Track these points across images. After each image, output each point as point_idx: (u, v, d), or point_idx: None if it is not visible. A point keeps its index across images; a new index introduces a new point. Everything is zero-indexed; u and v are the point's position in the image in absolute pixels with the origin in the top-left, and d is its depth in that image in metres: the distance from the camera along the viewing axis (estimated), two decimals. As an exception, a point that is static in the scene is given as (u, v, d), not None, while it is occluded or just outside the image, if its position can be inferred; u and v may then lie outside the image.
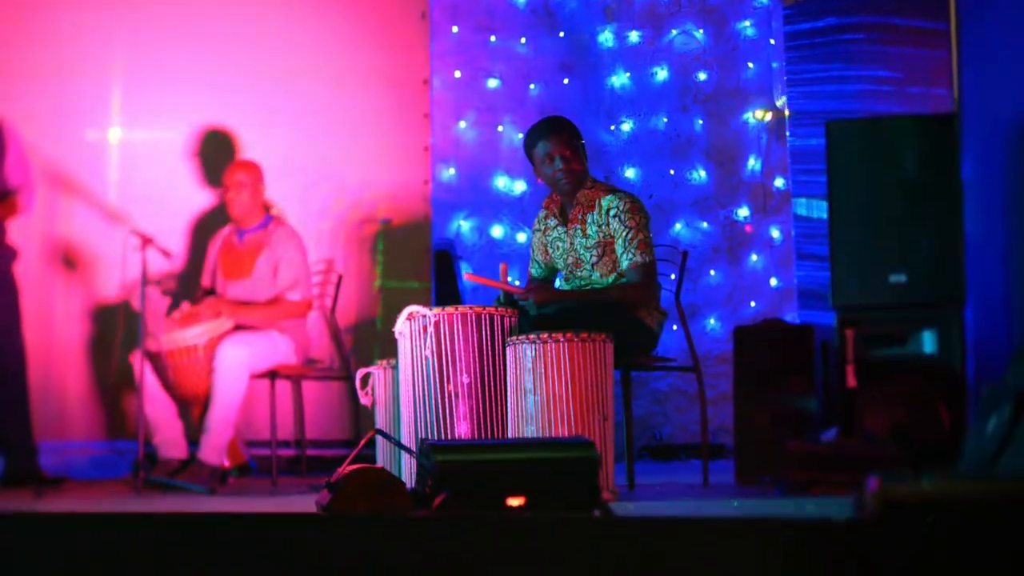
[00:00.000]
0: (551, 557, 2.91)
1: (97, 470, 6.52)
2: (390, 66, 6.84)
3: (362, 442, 3.61)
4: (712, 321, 7.45)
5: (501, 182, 7.54)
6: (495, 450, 3.20)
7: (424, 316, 4.70)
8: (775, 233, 7.44)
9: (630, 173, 7.53)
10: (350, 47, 6.87)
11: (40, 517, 3.46)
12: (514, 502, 2.97)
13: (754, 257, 7.47)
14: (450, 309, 4.69)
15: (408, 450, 3.69)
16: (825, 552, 2.67)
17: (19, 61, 6.71)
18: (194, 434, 5.78)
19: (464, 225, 7.50)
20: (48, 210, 6.60)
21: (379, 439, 4.75)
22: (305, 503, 4.99)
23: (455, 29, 7.51)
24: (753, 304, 7.43)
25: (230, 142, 6.80)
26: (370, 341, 6.70)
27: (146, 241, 5.67)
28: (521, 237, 7.48)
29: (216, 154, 6.76)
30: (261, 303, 5.97)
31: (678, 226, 7.46)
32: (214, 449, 5.68)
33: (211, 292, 6.13)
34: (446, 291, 6.85)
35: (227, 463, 5.80)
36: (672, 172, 7.53)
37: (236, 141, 6.80)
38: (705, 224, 7.51)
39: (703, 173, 7.53)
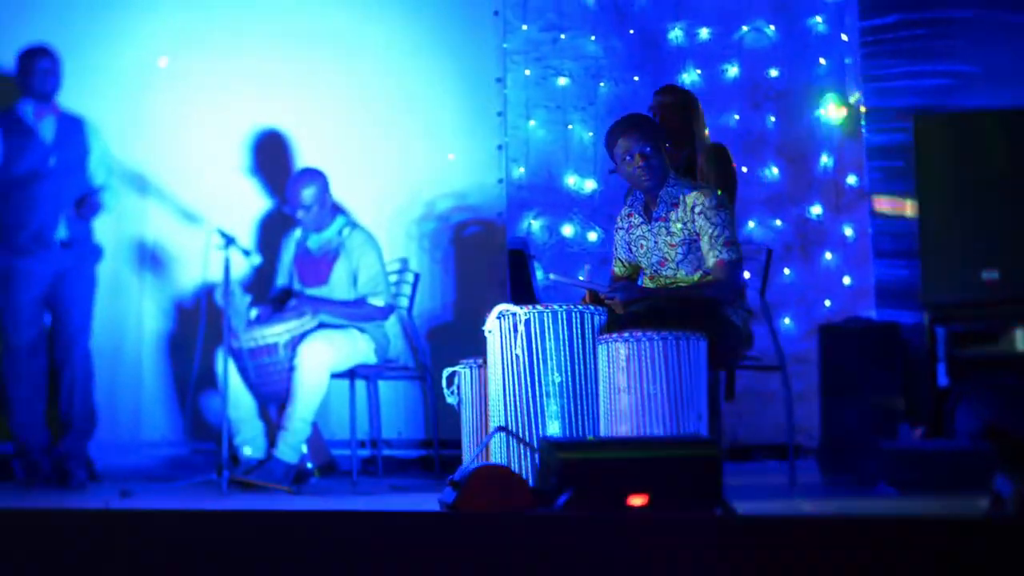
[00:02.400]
0: (677, 556, 2.87)
1: (174, 470, 6.52)
2: (463, 65, 6.83)
3: (488, 438, 3.57)
4: (786, 320, 7.37)
5: (571, 181, 7.49)
6: (617, 448, 3.16)
7: (514, 314, 4.67)
8: (848, 231, 7.35)
9: (701, 171, 7.46)
10: (423, 46, 6.86)
11: (133, 514, 3.44)
12: (636, 500, 2.94)
13: (828, 255, 7.39)
14: (540, 307, 4.66)
15: (531, 446, 3.66)
16: (967, 550, 2.61)
17: (94, 63, 6.74)
18: (274, 433, 5.77)
19: (534, 224, 7.45)
20: (127, 209, 6.62)
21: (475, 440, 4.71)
22: (388, 502, 4.97)
23: (524, 27, 7.46)
24: (828, 303, 7.35)
25: (287, 144, 6.82)
26: (446, 341, 6.66)
27: (229, 240, 5.67)
28: (592, 236, 7.42)
29: (276, 159, 6.80)
30: (345, 301, 5.97)
31: (751, 224, 7.39)
32: (291, 447, 5.67)
33: (290, 292, 6.12)
34: (521, 290, 6.80)
35: (311, 463, 5.78)
36: (744, 170, 7.45)
37: (292, 143, 6.82)
38: (778, 222, 7.43)
39: (775, 171, 7.46)
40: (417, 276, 6.47)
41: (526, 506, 3.05)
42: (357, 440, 6.16)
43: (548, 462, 3.03)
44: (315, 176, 6.07)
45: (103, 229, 6.32)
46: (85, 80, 6.54)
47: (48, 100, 6.08)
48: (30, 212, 5.98)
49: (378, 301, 5.98)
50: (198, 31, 6.83)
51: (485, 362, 4.99)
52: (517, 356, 4.65)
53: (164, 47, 6.83)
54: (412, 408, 6.69)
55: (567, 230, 7.46)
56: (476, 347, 5.90)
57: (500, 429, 3.96)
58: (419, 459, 6.67)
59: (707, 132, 6.07)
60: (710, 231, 5.09)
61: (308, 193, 5.99)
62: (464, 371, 5.08)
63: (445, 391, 5.10)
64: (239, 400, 5.76)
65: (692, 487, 3.00)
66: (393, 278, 6.48)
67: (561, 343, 4.66)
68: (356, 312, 5.96)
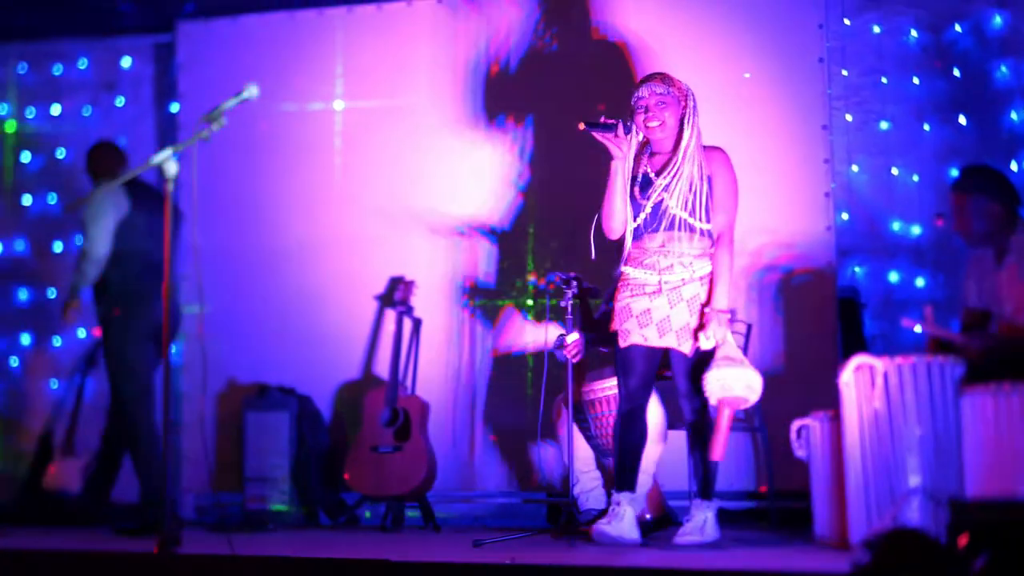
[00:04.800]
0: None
1: (506, 519, 6.63)
2: (788, 112, 6.78)
3: (903, 501, 3.49)
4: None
5: (896, 226, 7.32)
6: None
7: (872, 367, 4.58)
8: None
9: (1033, 213, 7.19)
10: (749, 94, 6.84)
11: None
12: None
13: None
14: (899, 359, 4.55)
15: (950, 504, 3.55)
16: None
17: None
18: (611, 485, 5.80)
19: (858, 271, 7.30)
20: (455, 260, 6.84)
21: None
22: (735, 557, 4.92)
23: (845, 72, 7.34)
24: None
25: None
26: (776, 391, 6.56)
27: (567, 281, 5.73)
28: (919, 282, 7.22)
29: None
30: None
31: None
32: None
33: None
34: (852, 340, 6.66)
35: (649, 515, 5.77)
36: (1080, 212, 7.14)
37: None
38: (1116, 265, 7.08)
39: (1115, 211, 7.12)
40: (749, 327, 6.40)
41: (937, 570, 2.97)
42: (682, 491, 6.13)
43: (959, 523, 2.95)
44: None
45: (435, 272, 6.58)
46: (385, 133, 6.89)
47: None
48: None
49: None
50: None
51: (836, 415, 4.91)
52: (876, 409, 4.56)
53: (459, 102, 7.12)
54: (743, 459, 6.62)
55: (892, 276, 7.29)
56: (808, 398, 5.80)
57: (916, 490, 3.87)
58: (748, 511, 6.59)
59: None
60: (1071, 277, 4.90)
61: None
62: (814, 424, 5.00)
63: (793, 444, 5.04)
64: (578, 452, 5.81)
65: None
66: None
67: (921, 395, 4.55)
68: None
